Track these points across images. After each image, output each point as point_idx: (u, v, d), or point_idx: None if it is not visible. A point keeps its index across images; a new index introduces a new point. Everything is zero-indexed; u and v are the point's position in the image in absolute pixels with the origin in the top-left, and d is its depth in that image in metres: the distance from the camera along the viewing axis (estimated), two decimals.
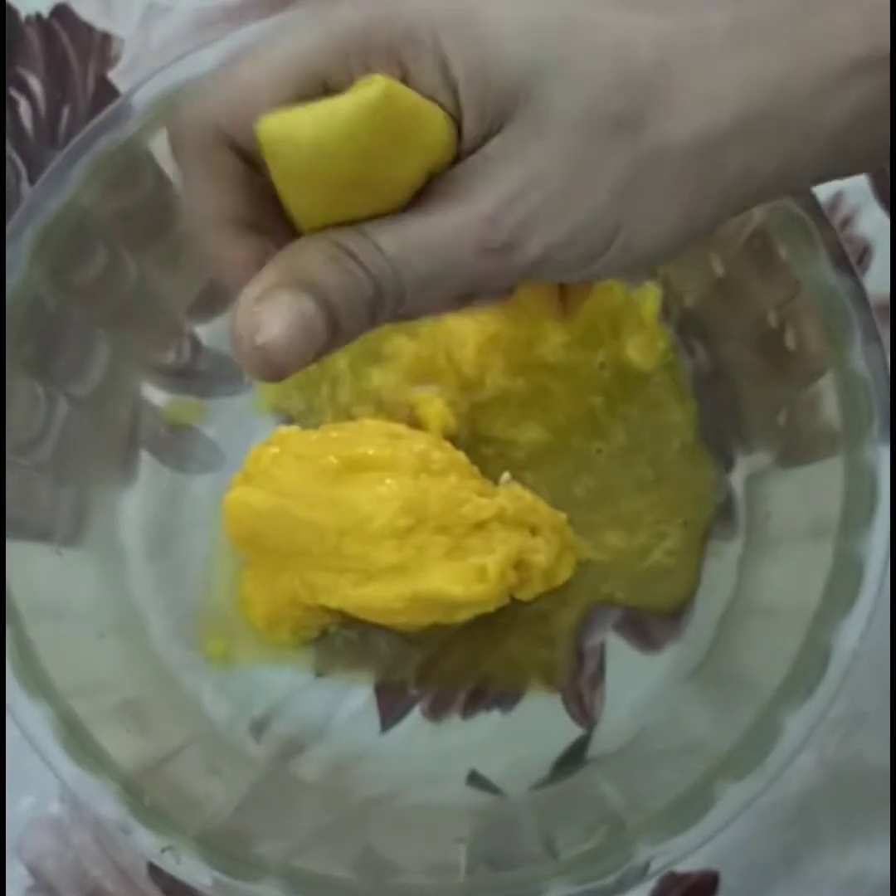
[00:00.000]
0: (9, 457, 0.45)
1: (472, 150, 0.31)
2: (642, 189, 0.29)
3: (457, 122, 0.30)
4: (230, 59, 0.32)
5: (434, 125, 0.30)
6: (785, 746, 0.42)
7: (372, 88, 0.29)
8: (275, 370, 0.30)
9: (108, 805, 0.42)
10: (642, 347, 0.53)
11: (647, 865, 0.41)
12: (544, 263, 0.31)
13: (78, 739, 0.42)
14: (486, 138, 0.30)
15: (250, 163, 0.32)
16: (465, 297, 0.35)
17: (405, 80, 0.30)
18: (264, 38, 0.31)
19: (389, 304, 0.31)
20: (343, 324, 0.31)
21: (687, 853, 0.41)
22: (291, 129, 0.29)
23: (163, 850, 0.41)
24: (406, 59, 0.30)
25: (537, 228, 0.30)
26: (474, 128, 0.30)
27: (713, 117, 0.29)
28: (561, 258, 0.31)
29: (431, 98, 0.30)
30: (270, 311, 0.30)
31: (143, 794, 0.42)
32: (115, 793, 0.42)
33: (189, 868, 0.41)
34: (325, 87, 0.30)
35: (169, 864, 0.41)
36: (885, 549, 0.41)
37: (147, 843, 0.42)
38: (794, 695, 0.42)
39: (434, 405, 0.52)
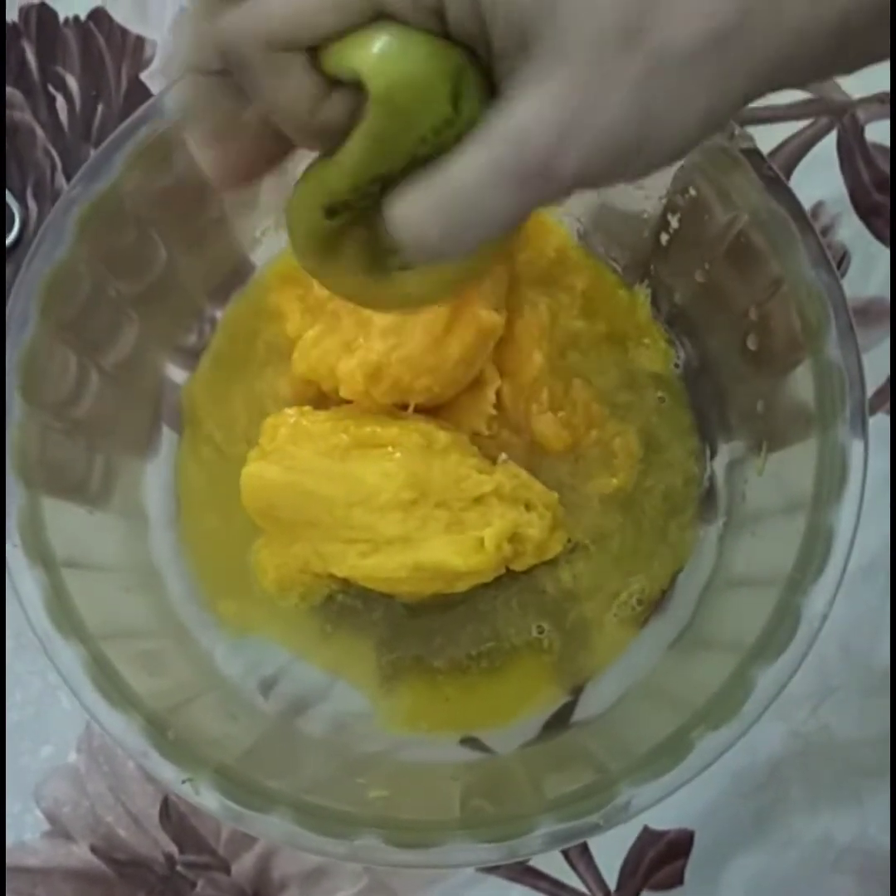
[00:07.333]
0: (45, 419, 0.49)
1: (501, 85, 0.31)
2: (658, 92, 0.30)
3: (485, 55, 0.31)
4: None
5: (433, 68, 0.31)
6: (758, 699, 0.44)
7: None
8: None
9: (133, 739, 0.45)
10: (649, 351, 0.57)
11: (628, 804, 0.44)
12: (583, 176, 0.31)
13: (108, 678, 0.45)
14: (513, 69, 0.31)
15: None
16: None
17: (442, 11, 0.31)
18: None
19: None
20: None
21: (667, 794, 0.44)
22: None
23: (183, 782, 0.44)
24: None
25: (571, 144, 0.30)
26: (502, 51, 0.31)
27: (710, 21, 0.29)
28: (597, 167, 0.31)
29: (463, 28, 0.31)
30: None
31: (167, 730, 0.45)
32: (140, 728, 0.45)
33: (207, 799, 0.44)
34: None
35: (188, 795, 0.44)
36: (853, 520, 0.45)
37: (168, 775, 0.44)
38: (767, 653, 0.45)
39: None
